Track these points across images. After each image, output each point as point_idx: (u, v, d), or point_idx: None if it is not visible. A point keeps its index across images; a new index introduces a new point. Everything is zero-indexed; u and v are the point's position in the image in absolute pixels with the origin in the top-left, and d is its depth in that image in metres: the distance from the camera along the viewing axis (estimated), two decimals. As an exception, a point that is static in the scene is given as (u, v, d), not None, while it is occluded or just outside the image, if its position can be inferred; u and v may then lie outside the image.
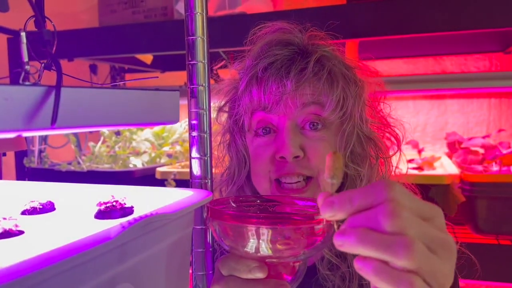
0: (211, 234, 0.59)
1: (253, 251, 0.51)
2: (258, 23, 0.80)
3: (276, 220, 0.49)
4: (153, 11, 1.62)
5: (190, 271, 0.59)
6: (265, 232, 0.49)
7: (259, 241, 0.50)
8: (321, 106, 0.72)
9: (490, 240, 1.43)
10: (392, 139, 0.78)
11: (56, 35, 0.46)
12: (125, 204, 0.46)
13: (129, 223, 0.35)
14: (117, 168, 1.76)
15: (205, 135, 0.59)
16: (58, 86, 0.35)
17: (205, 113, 0.59)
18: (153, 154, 1.85)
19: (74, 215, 0.49)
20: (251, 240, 0.50)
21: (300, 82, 0.71)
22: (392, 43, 1.96)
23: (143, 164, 1.80)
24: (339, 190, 0.74)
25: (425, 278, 0.37)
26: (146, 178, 1.72)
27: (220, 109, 0.81)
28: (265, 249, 0.50)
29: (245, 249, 0.51)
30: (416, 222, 0.38)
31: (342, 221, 0.41)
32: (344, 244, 0.38)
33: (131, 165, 1.79)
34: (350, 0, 1.47)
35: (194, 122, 0.59)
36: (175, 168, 1.67)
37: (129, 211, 0.46)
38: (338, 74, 0.73)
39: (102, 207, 0.45)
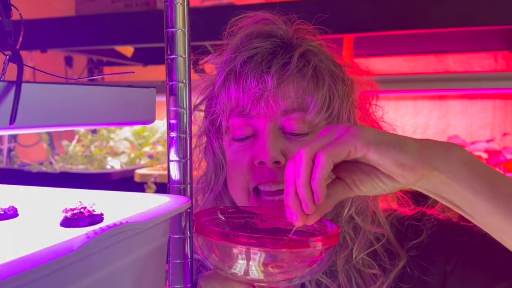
0: (190, 244, 0.58)
1: (242, 273, 0.50)
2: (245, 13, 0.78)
3: (269, 241, 0.48)
4: (134, 0, 1.61)
5: (167, 284, 0.58)
6: (257, 254, 0.48)
7: (249, 263, 0.49)
8: (305, 111, 0.69)
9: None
10: None
11: (22, 25, 0.46)
12: (94, 211, 0.45)
13: (95, 233, 0.34)
14: (92, 169, 1.74)
15: (185, 136, 0.58)
16: (18, 82, 0.35)
17: (185, 112, 0.58)
18: (132, 155, 1.84)
19: (38, 222, 0.48)
20: (240, 262, 0.49)
21: (283, 79, 0.68)
22: (391, 39, 1.97)
23: (121, 166, 1.79)
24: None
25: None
26: (125, 180, 1.71)
27: (195, 108, 0.78)
28: (255, 272, 0.49)
29: (233, 270, 0.50)
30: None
31: None
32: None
33: (108, 167, 1.77)
34: (346, -8, 1.47)
35: (173, 121, 0.58)
36: (156, 171, 1.66)
37: (98, 218, 0.45)
38: (325, 70, 0.71)
39: (69, 214, 0.45)
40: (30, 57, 1.88)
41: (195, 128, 0.79)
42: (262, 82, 0.68)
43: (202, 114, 0.79)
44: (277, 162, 0.68)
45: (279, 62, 0.69)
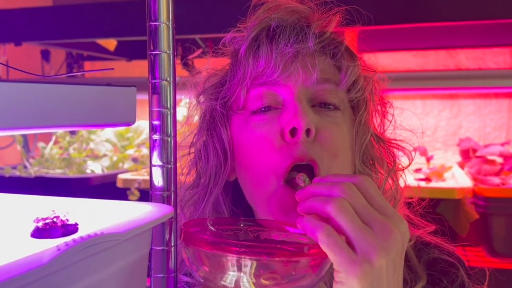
0: (174, 257, 0.59)
1: (233, 285, 0.50)
2: (247, 5, 0.77)
3: (262, 249, 0.49)
4: (117, -11, 1.61)
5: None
6: (248, 264, 0.49)
7: (241, 274, 0.49)
8: (337, 85, 0.70)
9: (507, 265, 1.45)
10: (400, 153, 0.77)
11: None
12: (68, 220, 0.46)
13: (67, 245, 0.35)
14: (71, 174, 1.74)
15: (169, 139, 0.59)
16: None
17: (169, 112, 0.59)
18: (115, 158, 1.84)
19: (7, 232, 0.48)
20: (231, 273, 0.50)
21: (323, 38, 0.70)
22: (398, 33, 1.98)
23: (102, 170, 1.79)
24: None
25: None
26: (106, 186, 1.71)
27: (202, 92, 0.75)
28: (247, 284, 0.50)
29: (223, 282, 0.51)
30: (358, 197, 0.53)
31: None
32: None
33: (88, 171, 1.77)
34: (349, -19, 1.47)
35: (156, 123, 0.58)
36: (140, 175, 1.66)
37: (72, 229, 0.45)
38: (355, 52, 0.74)
39: (40, 223, 0.45)
40: (3, 51, 1.88)
41: (187, 132, 0.79)
42: (303, 38, 0.68)
43: (197, 113, 0.78)
44: (309, 132, 0.65)
45: (319, 21, 0.71)
